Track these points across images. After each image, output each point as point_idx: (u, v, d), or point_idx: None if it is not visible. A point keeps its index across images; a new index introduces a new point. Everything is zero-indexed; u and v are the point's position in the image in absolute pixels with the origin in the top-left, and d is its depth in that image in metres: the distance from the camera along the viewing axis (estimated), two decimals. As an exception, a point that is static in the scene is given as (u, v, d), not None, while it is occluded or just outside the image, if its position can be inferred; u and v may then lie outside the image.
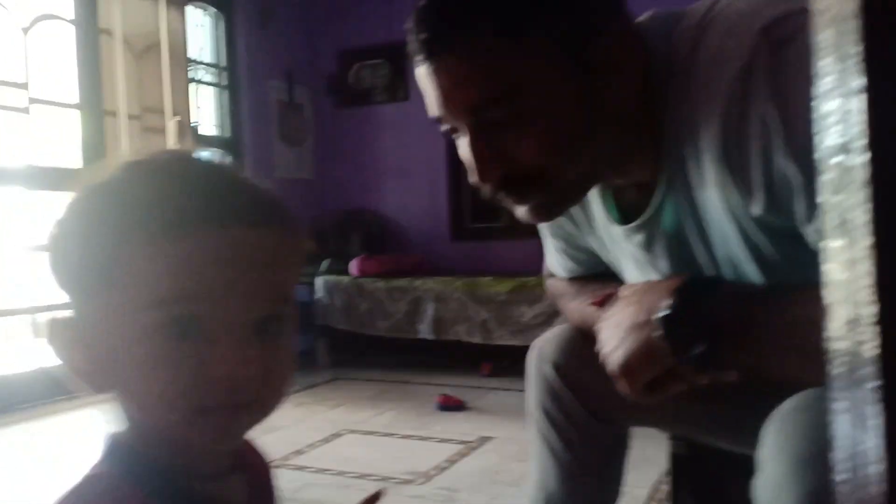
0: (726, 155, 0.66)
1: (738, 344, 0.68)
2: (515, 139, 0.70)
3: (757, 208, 0.66)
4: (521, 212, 0.76)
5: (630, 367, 0.74)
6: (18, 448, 2.36)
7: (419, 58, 0.71)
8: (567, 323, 1.00)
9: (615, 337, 0.76)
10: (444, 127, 0.75)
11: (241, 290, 0.45)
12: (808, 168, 0.60)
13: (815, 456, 0.55)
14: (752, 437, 0.72)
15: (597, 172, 0.76)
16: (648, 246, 0.81)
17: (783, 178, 0.63)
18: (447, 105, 0.71)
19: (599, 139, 0.72)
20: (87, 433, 2.52)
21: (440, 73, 0.69)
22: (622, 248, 0.86)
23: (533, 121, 0.69)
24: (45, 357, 2.89)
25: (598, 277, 0.97)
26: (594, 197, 0.86)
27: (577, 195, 0.78)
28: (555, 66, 0.69)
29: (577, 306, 0.96)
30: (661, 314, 0.70)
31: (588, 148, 0.72)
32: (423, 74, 0.71)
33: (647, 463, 1.91)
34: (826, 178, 0.25)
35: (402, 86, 3.92)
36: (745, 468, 0.84)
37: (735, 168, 0.66)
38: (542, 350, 0.97)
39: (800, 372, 0.64)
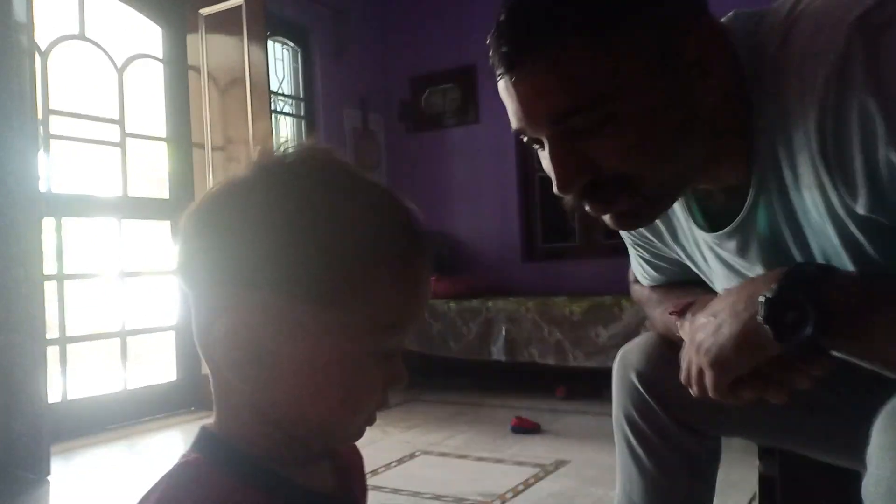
0: (824, 151, 0.63)
1: (851, 329, 0.64)
2: (601, 146, 0.68)
3: (861, 206, 0.63)
4: (608, 219, 0.74)
5: (723, 356, 0.71)
6: (108, 467, 2.46)
7: (500, 71, 0.70)
8: (652, 330, 0.97)
9: (710, 325, 0.73)
10: (526, 139, 0.74)
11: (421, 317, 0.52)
12: None
13: None
14: (848, 445, 0.67)
15: (687, 177, 0.74)
16: (743, 252, 0.78)
17: (892, 173, 0.59)
18: (529, 116, 0.69)
19: (689, 143, 0.70)
20: (174, 452, 2.61)
21: (522, 84, 0.68)
22: (712, 256, 0.83)
23: (620, 127, 0.67)
24: (132, 379, 3.03)
25: (683, 285, 0.94)
26: (676, 205, 0.83)
27: (667, 201, 0.76)
28: (643, 69, 0.66)
29: (660, 314, 0.94)
30: (764, 297, 0.67)
31: (677, 153, 0.69)
32: (503, 87, 0.70)
33: (733, 488, 1.82)
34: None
35: (472, 109, 3.96)
36: (839, 487, 0.78)
37: (835, 164, 0.63)
38: (627, 357, 0.97)
39: None
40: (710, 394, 0.73)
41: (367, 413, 0.50)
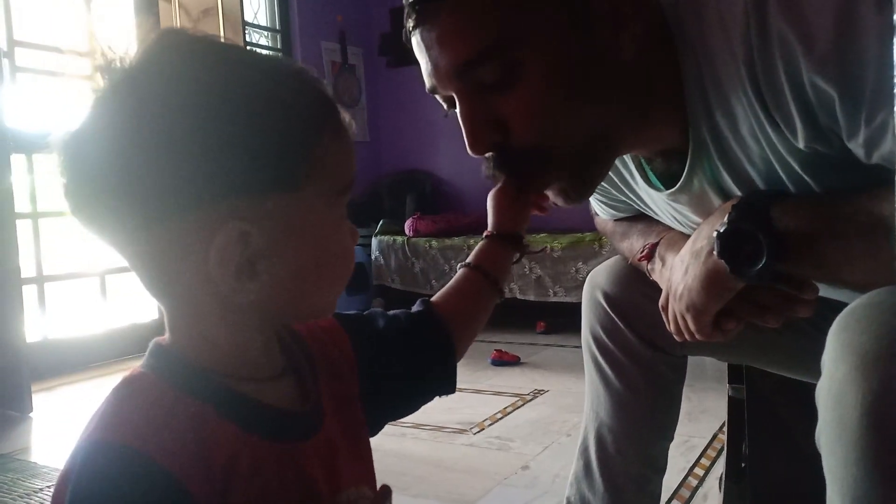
0: (756, 87, 0.60)
1: (805, 253, 0.63)
2: (508, 102, 0.65)
3: (801, 139, 0.61)
4: (552, 195, 0.74)
5: (694, 299, 0.70)
6: (90, 404, 2.47)
7: (411, 23, 0.66)
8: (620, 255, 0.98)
9: (679, 268, 0.73)
10: (441, 100, 0.70)
11: None
12: (840, 77, 0.55)
13: (883, 352, 0.50)
14: (809, 359, 0.67)
15: (610, 138, 0.70)
16: (696, 207, 0.76)
17: (819, 96, 0.57)
18: (436, 69, 0.66)
19: (605, 100, 0.66)
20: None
21: (429, 34, 0.65)
22: (668, 209, 0.82)
23: (527, 80, 0.64)
24: (112, 318, 3.02)
25: (644, 217, 0.93)
26: (629, 160, 0.81)
27: (595, 166, 0.72)
28: (551, 17, 0.64)
29: (627, 246, 0.94)
30: (716, 231, 0.66)
31: (591, 111, 0.66)
32: (416, 43, 0.67)
33: (706, 413, 1.86)
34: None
35: (454, 43, 3.86)
36: (803, 405, 0.79)
37: (769, 99, 0.60)
38: (595, 278, 0.98)
39: (873, 275, 0.59)
40: (697, 337, 0.73)
41: (351, 273, 0.53)
